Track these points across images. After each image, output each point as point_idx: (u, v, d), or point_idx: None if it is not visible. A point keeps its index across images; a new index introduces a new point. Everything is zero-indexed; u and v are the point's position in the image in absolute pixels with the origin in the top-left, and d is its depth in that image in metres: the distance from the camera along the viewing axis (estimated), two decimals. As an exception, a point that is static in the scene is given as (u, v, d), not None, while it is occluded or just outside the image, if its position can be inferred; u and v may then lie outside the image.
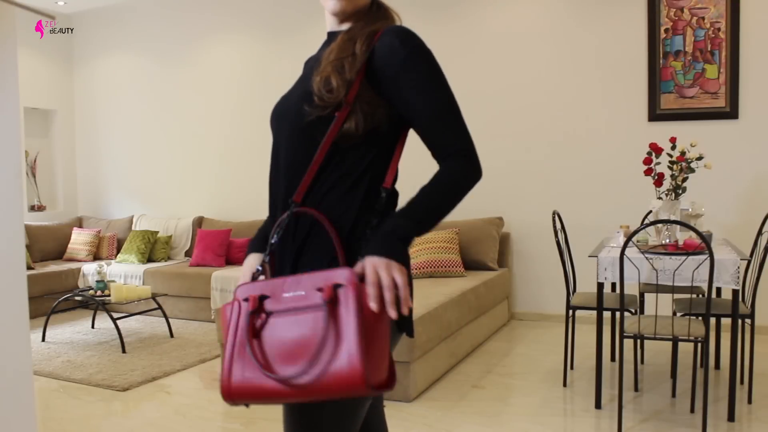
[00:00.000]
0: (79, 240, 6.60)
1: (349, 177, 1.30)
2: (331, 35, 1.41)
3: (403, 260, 1.20)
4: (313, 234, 1.30)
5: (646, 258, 2.99)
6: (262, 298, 1.21)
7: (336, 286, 1.15)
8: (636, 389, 3.50)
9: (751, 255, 3.51)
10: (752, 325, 3.30)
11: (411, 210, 1.25)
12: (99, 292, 4.90)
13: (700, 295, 3.78)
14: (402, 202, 1.35)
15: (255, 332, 1.20)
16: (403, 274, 1.16)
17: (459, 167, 1.29)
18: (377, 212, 1.30)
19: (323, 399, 1.15)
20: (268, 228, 1.43)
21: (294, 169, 1.33)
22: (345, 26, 1.39)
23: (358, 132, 1.28)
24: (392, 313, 1.13)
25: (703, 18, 4.64)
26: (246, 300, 1.23)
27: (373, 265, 1.16)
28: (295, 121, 1.32)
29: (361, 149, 1.30)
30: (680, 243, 3.22)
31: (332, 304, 1.14)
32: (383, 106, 1.30)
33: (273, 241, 1.32)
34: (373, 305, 1.13)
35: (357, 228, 1.29)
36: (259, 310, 1.21)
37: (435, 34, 5.40)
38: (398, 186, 1.39)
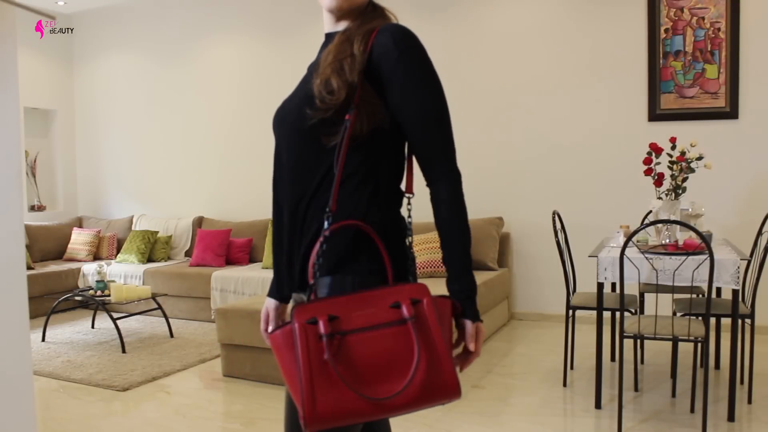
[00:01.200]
0: (79, 240, 6.60)
1: (356, 176, 1.29)
2: (329, 37, 1.40)
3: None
4: (336, 236, 1.29)
5: (646, 258, 2.99)
6: (331, 319, 1.18)
7: (413, 302, 1.18)
8: (636, 389, 3.50)
9: (751, 255, 3.51)
10: (752, 325, 3.30)
11: (461, 267, 1.32)
12: (99, 292, 4.90)
13: (700, 295, 3.78)
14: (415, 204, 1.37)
15: (335, 354, 1.17)
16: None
17: (453, 193, 1.31)
18: (408, 222, 1.34)
19: (414, 411, 1.18)
20: (277, 261, 1.44)
21: (298, 172, 1.33)
22: (341, 26, 1.38)
23: (364, 132, 1.27)
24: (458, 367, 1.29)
25: (703, 18, 4.64)
26: (312, 322, 1.17)
27: (480, 334, 1.30)
28: (298, 125, 1.31)
29: (366, 148, 1.29)
30: (680, 243, 3.22)
31: (416, 319, 1.17)
32: (382, 104, 1.30)
33: (319, 253, 1.27)
34: (462, 367, 1.29)
35: (366, 223, 1.28)
36: (333, 332, 1.17)
37: (435, 34, 5.40)
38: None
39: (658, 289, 3.64)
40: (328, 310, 1.18)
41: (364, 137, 1.28)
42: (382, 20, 1.37)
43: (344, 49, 1.30)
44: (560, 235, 3.61)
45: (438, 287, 1.32)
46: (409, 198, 1.37)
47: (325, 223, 1.27)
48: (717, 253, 3.02)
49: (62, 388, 3.78)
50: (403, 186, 1.38)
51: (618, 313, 3.22)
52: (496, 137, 5.34)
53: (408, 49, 1.28)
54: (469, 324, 1.29)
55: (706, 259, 2.85)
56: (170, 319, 5.21)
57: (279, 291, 1.49)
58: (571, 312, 3.60)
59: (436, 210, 1.31)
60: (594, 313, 3.61)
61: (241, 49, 6.39)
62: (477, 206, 5.34)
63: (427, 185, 1.33)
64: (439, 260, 4.69)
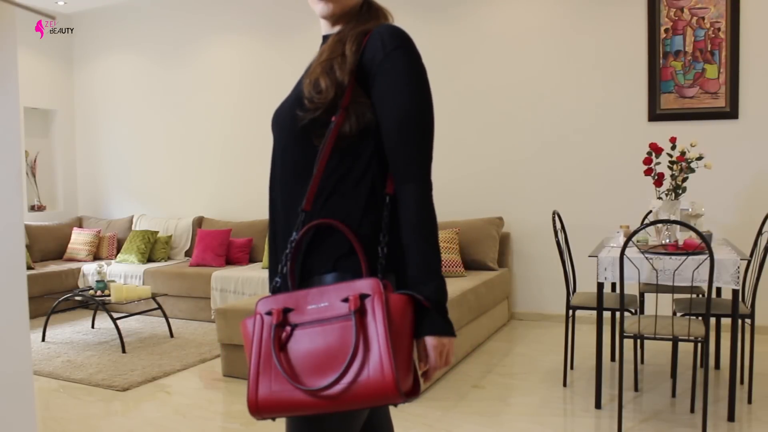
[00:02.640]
0: (79, 240, 6.60)
1: (350, 177, 1.30)
2: (325, 39, 1.41)
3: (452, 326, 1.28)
4: (318, 235, 1.30)
5: (646, 258, 2.99)
6: (286, 311, 1.21)
7: (362, 296, 1.16)
8: (636, 389, 3.50)
9: (751, 255, 3.50)
10: (752, 325, 3.30)
11: (427, 270, 1.25)
12: (99, 292, 4.90)
13: (700, 295, 3.78)
14: None
15: (281, 345, 1.19)
16: (453, 353, 1.28)
17: (422, 198, 1.26)
18: (386, 219, 1.30)
19: (355, 408, 1.15)
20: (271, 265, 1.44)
21: (292, 173, 1.34)
22: (337, 29, 1.38)
23: (352, 132, 1.28)
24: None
25: (703, 18, 4.64)
26: (268, 313, 1.22)
27: (442, 348, 1.23)
28: (290, 126, 1.32)
29: (358, 149, 1.30)
30: (680, 243, 3.22)
31: (360, 313, 1.15)
32: (371, 104, 1.29)
33: (288, 251, 1.29)
34: (425, 378, 1.26)
35: (363, 225, 1.29)
36: (283, 323, 1.20)
37: (434, 34, 5.40)
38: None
39: (658, 289, 3.64)
40: (286, 302, 1.22)
41: (353, 137, 1.28)
42: (376, 21, 1.37)
43: (336, 49, 1.31)
44: (560, 235, 3.61)
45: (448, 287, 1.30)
46: (391, 199, 1.34)
47: (303, 226, 1.28)
48: (717, 253, 3.02)
49: (62, 388, 3.78)
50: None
51: (618, 313, 3.22)
52: (496, 137, 5.34)
53: (395, 49, 1.27)
54: (429, 341, 1.23)
55: (706, 259, 2.85)
56: (170, 319, 5.21)
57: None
58: (571, 312, 3.60)
59: (402, 214, 1.26)
60: (594, 313, 3.61)
61: (241, 50, 6.39)
62: (477, 206, 5.34)
63: (396, 189, 1.28)
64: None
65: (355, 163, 1.30)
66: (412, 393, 1.20)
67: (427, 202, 1.27)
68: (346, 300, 1.17)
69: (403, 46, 1.28)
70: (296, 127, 1.30)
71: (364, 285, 1.18)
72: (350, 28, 1.34)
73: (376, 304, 1.15)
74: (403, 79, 1.26)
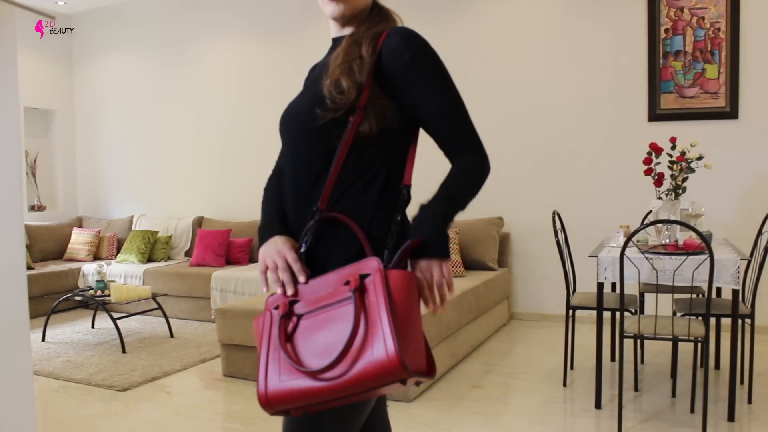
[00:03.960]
0: (79, 240, 6.60)
1: (364, 175, 1.31)
2: (336, 41, 1.43)
3: (448, 249, 1.26)
4: (329, 233, 1.31)
5: (646, 258, 2.99)
6: (292, 303, 1.23)
7: (362, 276, 1.17)
8: (636, 389, 3.50)
9: (751, 255, 3.51)
10: (752, 325, 3.30)
11: (443, 195, 1.29)
12: (99, 292, 4.90)
13: (700, 295, 3.78)
14: (415, 201, 1.35)
15: (288, 336, 1.21)
16: (450, 272, 1.26)
17: (473, 160, 1.35)
18: (399, 209, 1.32)
19: (365, 390, 1.14)
20: (271, 210, 1.42)
21: (305, 172, 1.34)
22: (347, 30, 1.40)
23: (372, 133, 1.30)
24: (439, 309, 1.24)
25: (703, 18, 4.64)
26: (276, 308, 1.24)
27: (429, 268, 1.23)
28: (308, 125, 1.33)
29: (375, 148, 1.32)
30: (680, 243, 3.22)
31: (360, 292, 1.16)
32: (393, 105, 1.32)
33: (302, 250, 1.31)
34: (430, 308, 1.23)
35: (374, 224, 1.30)
36: (289, 314, 1.22)
37: (435, 34, 5.37)
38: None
39: (658, 289, 3.64)
40: (294, 294, 1.24)
41: (373, 137, 1.30)
42: (387, 23, 1.40)
43: (353, 51, 1.33)
44: (560, 235, 3.61)
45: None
46: (407, 190, 1.36)
47: (313, 221, 1.30)
48: (717, 253, 3.02)
49: (62, 388, 3.78)
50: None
51: (618, 313, 3.22)
52: (496, 137, 5.33)
53: (419, 50, 1.33)
54: (423, 266, 1.23)
55: (706, 259, 2.85)
56: (170, 319, 5.21)
57: (284, 228, 1.37)
58: (571, 312, 3.61)
59: (454, 166, 1.34)
60: (594, 313, 3.61)
61: (241, 50, 6.39)
62: (477, 206, 5.30)
63: (454, 161, 1.36)
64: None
65: (370, 163, 1.32)
66: (426, 373, 1.19)
67: (482, 167, 1.35)
68: (348, 283, 1.18)
69: (425, 46, 1.35)
70: (315, 126, 1.31)
71: (364, 265, 1.19)
72: (364, 30, 1.37)
73: (376, 281, 1.16)
74: (434, 76, 1.33)
